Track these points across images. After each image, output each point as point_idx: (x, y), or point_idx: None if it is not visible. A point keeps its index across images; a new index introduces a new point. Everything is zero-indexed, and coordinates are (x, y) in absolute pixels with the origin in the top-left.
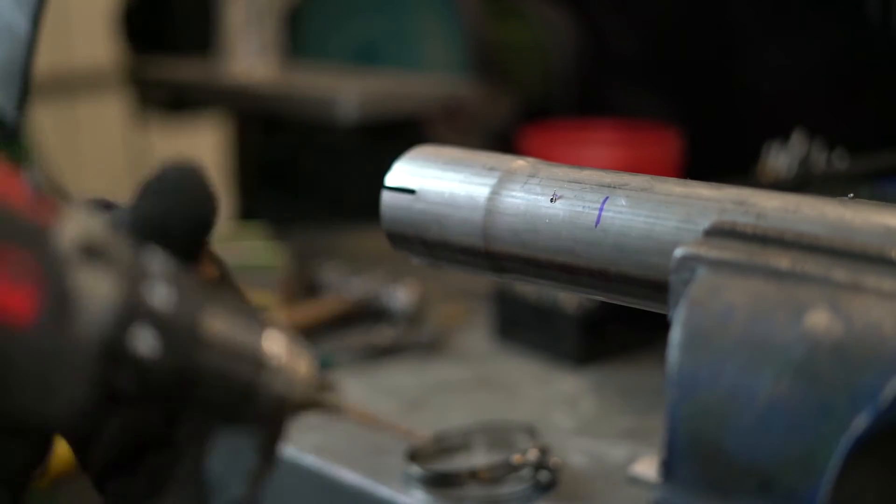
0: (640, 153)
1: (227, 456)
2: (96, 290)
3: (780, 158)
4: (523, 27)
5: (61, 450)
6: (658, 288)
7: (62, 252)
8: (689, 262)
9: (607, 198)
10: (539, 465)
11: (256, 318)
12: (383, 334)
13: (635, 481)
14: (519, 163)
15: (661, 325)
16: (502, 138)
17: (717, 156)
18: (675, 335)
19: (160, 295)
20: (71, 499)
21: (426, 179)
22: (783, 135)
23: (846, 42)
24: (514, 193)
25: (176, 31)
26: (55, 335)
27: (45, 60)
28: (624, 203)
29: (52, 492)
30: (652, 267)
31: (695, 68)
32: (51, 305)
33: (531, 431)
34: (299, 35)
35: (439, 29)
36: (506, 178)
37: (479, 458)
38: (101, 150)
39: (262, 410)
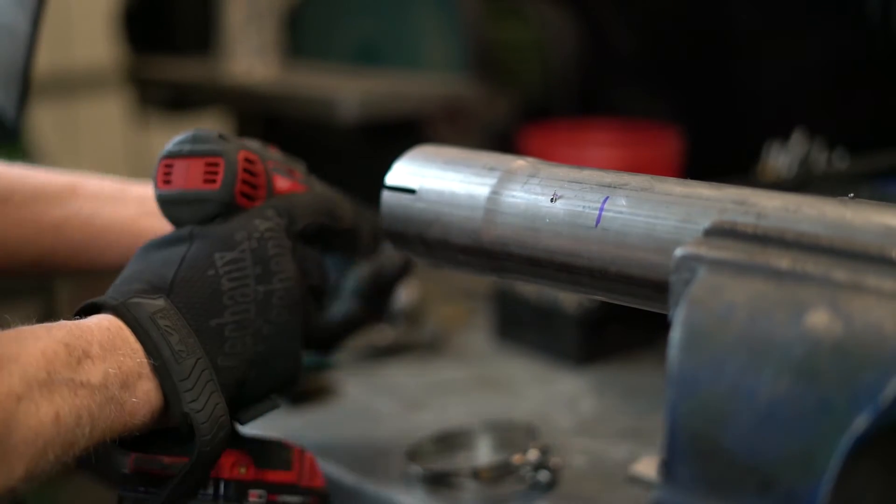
0: (640, 153)
1: None
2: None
3: (780, 158)
4: (523, 27)
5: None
6: (658, 288)
7: None
8: (690, 261)
9: (607, 197)
10: (539, 465)
11: None
12: (383, 334)
13: (635, 481)
14: (519, 163)
15: (661, 325)
16: (502, 138)
17: (717, 156)
18: (676, 335)
19: None
20: (71, 499)
21: (426, 179)
22: (783, 135)
23: (846, 42)
24: (514, 193)
25: (176, 31)
26: None
27: (46, 60)
28: (624, 203)
29: (53, 492)
30: (652, 266)
31: (695, 68)
32: None
33: (531, 431)
34: (299, 35)
35: (439, 29)
36: (506, 178)
37: (479, 458)
38: (101, 150)
39: None
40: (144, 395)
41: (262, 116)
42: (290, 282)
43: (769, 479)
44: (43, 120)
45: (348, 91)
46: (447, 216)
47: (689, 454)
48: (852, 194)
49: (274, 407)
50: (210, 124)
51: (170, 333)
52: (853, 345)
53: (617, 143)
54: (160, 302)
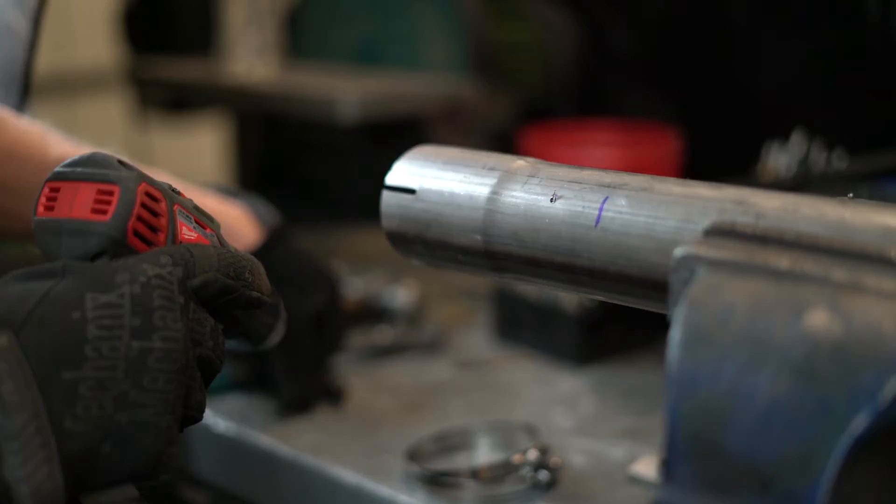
0: (639, 153)
1: None
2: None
3: (779, 158)
4: (523, 27)
5: None
6: (658, 288)
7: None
8: (689, 261)
9: (607, 198)
10: (539, 465)
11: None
12: (383, 334)
13: (635, 481)
14: (519, 163)
15: (660, 325)
16: (502, 138)
17: (717, 156)
18: (675, 335)
19: None
20: None
21: (426, 179)
22: (783, 135)
23: (846, 42)
24: (514, 193)
25: (176, 31)
26: None
27: (46, 60)
28: (624, 203)
29: None
30: (652, 266)
31: (695, 68)
32: None
33: (531, 431)
34: (299, 35)
35: (439, 29)
36: (506, 178)
37: (479, 458)
38: (101, 150)
39: None
40: None
41: (262, 116)
42: (173, 343)
43: (768, 479)
44: (43, 119)
45: (348, 91)
46: (447, 216)
47: (688, 454)
48: (851, 194)
49: (128, 499)
50: (210, 124)
51: (2, 381)
52: (852, 345)
53: (617, 143)
54: (3, 339)
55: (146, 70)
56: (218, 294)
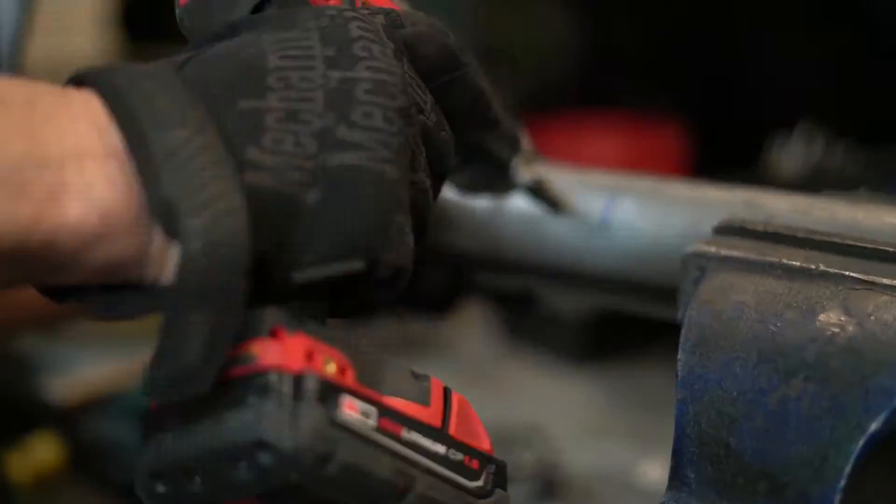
0: (643, 146)
1: None
2: None
3: (784, 153)
4: (525, 24)
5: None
6: (665, 292)
7: None
8: (699, 259)
9: (613, 199)
10: (540, 466)
11: None
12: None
13: (637, 482)
14: None
15: (661, 325)
16: None
17: (722, 148)
18: (685, 335)
19: None
20: (63, 499)
21: None
22: (787, 129)
23: (851, 36)
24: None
25: (176, 21)
26: None
27: (40, 50)
28: (630, 205)
29: (45, 492)
30: (659, 269)
31: (699, 60)
32: None
33: (532, 432)
34: None
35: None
36: None
37: None
38: None
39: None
40: (91, 177)
41: None
42: (386, 75)
43: (780, 483)
44: None
45: None
46: (449, 219)
47: (698, 457)
48: (861, 189)
49: (350, 270)
50: None
51: (154, 95)
52: (866, 345)
53: (620, 136)
54: (150, 68)
55: (142, 59)
56: (437, 60)
